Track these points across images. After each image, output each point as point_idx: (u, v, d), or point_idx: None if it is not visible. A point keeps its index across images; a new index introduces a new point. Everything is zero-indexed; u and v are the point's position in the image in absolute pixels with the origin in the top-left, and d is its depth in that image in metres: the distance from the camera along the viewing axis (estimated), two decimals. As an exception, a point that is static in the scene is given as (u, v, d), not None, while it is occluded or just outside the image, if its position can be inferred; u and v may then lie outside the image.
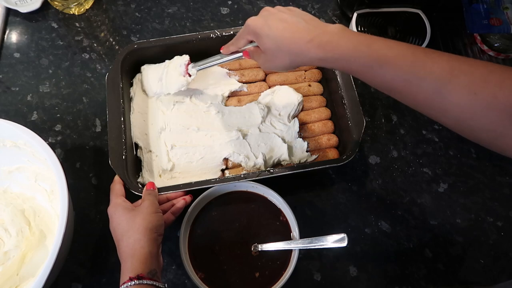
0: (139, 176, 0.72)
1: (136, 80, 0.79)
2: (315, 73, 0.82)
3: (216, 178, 0.68)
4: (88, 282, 0.67)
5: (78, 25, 0.89)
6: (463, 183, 0.77)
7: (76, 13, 0.90)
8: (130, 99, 0.77)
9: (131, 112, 0.76)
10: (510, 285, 0.59)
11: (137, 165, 0.73)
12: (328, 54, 0.51)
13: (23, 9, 0.88)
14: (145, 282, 0.52)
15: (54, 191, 0.69)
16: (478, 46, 0.86)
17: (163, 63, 0.78)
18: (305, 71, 0.82)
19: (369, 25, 0.85)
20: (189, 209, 0.65)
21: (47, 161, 0.60)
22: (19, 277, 0.63)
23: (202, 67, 0.72)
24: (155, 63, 0.80)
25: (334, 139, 0.76)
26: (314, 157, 0.74)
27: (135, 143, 0.74)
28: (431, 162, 0.78)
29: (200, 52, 0.77)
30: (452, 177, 0.77)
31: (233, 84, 0.80)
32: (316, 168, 0.69)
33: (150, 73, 0.78)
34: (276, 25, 0.54)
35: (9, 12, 0.89)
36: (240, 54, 0.64)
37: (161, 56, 0.80)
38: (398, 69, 0.47)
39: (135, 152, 0.74)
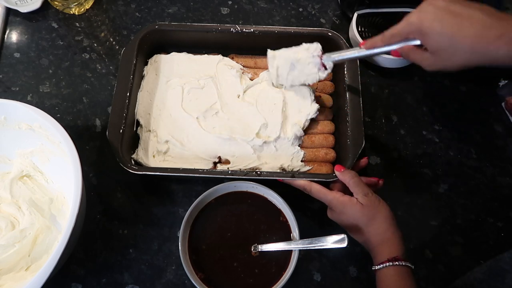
0: (134, 152, 0.73)
1: (151, 61, 0.81)
2: (328, 85, 0.80)
3: (204, 169, 0.69)
4: (88, 282, 0.67)
5: (78, 25, 0.89)
6: (463, 184, 0.77)
7: (76, 13, 0.90)
8: (141, 77, 0.78)
9: (139, 90, 0.77)
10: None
11: (134, 142, 0.75)
12: None
13: (23, 9, 0.88)
14: (402, 264, 0.58)
15: (67, 174, 0.69)
16: (478, 47, 0.86)
17: (290, 49, 0.71)
18: (319, 81, 0.80)
19: (369, 26, 0.85)
20: (189, 210, 0.65)
21: (61, 145, 0.60)
22: (31, 258, 0.64)
23: (337, 59, 0.67)
24: (173, 47, 0.82)
25: (331, 154, 0.74)
26: (307, 168, 0.72)
27: (137, 120, 0.75)
28: (431, 162, 0.78)
29: (216, 44, 0.81)
30: (452, 177, 0.77)
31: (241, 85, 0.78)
32: (302, 179, 0.68)
33: (280, 58, 0.72)
34: (450, 21, 0.48)
35: (9, 12, 0.89)
36: (386, 50, 0.59)
37: (180, 41, 0.82)
38: None
39: (135, 129, 0.75)
